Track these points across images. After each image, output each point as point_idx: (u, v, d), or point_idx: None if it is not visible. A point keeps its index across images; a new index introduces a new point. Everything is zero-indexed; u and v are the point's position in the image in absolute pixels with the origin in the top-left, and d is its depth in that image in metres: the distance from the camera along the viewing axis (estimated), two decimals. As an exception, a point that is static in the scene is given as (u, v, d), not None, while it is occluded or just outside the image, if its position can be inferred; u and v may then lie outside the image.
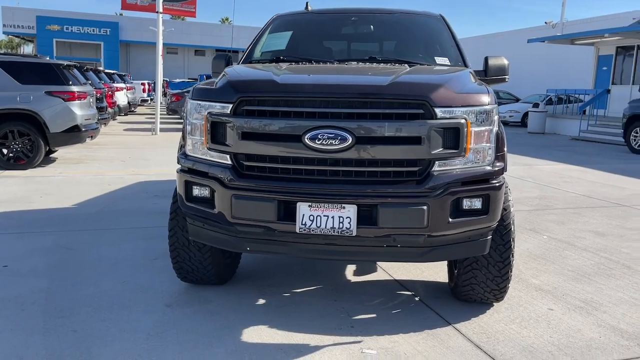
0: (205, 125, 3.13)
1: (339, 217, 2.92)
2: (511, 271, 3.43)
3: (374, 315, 3.51)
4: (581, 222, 6.22)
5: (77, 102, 9.07)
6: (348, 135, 2.86)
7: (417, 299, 3.80)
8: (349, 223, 2.92)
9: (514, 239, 3.41)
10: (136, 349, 3.00)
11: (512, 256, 3.39)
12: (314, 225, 2.93)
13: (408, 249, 3.09)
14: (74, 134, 9.04)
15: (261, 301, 3.69)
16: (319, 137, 2.86)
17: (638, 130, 14.00)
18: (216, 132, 3.11)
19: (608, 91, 20.11)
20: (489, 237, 3.23)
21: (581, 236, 5.58)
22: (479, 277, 3.44)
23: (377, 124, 2.89)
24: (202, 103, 3.19)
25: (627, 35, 19.28)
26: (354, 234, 2.91)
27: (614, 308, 3.73)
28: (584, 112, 19.42)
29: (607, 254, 4.97)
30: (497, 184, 3.12)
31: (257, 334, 3.20)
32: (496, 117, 3.13)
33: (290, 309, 3.57)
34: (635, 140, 14.09)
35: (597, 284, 4.20)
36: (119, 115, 19.65)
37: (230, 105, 3.05)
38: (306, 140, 2.88)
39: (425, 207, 2.91)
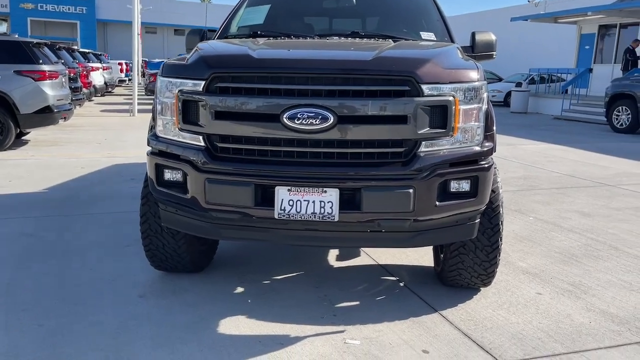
0: (176, 104, 2.92)
1: (320, 201, 2.75)
2: (499, 255, 3.30)
3: (357, 302, 3.36)
4: (567, 202, 6.14)
5: (48, 81, 8.71)
6: (329, 114, 2.67)
7: (402, 284, 3.67)
8: (331, 208, 2.74)
9: (503, 222, 3.27)
10: (105, 344, 2.81)
11: (501, 240, 3.26)
12: (293, 211, 2.75)
13: (393, 234, 2.94)
14: (46, 115, 8.69)
15: (240, 289, 3.52)
16: (298, 116, 2.67)
17: (620, 109, 14.02)
18: (188, 112, 2.90)
19: (590, 70, 20.12)
20: (477, 221, 3.09)
21: (567, 217, 5.49)
22: (466, 262, 3.31)
23: (360, 102, 2.71)
24: (173, 80, 2.97)
25: (609, 14, 19.24)
26: (336, 219, 2.74)
27: (603, 291, 3.63)
28: (566, 91, 19.43)
29: (593, 235, 4.89)
30: (486, 165, 2.97)
31: (235, 326, 3.04)
32: (485, 95, 2.97)
33: (270, 297, 3.41)
34: (617, 119, 14.11)
35: (585, 266, 4.10)
36: (96, 96, 19.13)
37: (203, 82, 2.83)
38: (284, 119, 2.69)
39: (411, 190, 2.75)
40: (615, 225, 5.23)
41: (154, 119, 3.16)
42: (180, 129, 2.92)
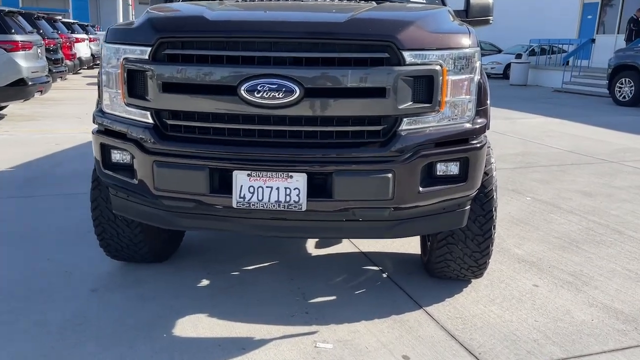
0: (121, 74, 2.53)
1: (285, 188, 2.38)
2: (492, 245, 2.96)
3: (333, 297, 3.03)
4: (567, 180, 5.78)
5: (21, 52, 8.23)
6: (295, 86, 2.28)
7: (385, 275, 3.33)
8: (298, 195, 2.38)
9: (497, 208, 2.92)
10: (44, 348, 2.48)
11: (494, 228, 2.91)
12: (254, 199, 2.39)
13: (371, 224, 2.59)
14: (20, 88, 8.24)
15: (205, 282, 3.18)
16: (259, 88, 2.29)
17: (623, 81, 13.54)
18: (134, 83, 2.51)
19: (593, 41, 19.53)
20: (467, 208, 2.74)
21: (567, 197, 5.14)
22: (455, 253, 2.97)
23: (330, 72, 2.32)
24: (118, 47, 2.57)
25: (614, -18, 18.56)
26: (304, 208, 2.38)
27: (606, 282, 3.30)
28: (567, 62, 18.88)
29: (596, 217, 4.54)
30: (478, 145, 2.60)
31: (193, 326, 2.70)
32: (478, 64, 2.58)
33: (237, 291, 3.07)
34: (620, 91, 13.65)
35: (586, 252, 3.77)
36: (82, 69, 18.55)
37: (149, 49, 2.43)
38: (242, 92, 2.30)
39: (390, 175, 2.38)
40: (618, 206, 4.88)
41: (99, 92, 2.77)
42: (127, 104, 2.54)
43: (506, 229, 4.17)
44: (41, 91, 8.77)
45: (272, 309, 2.87)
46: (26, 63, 8.29)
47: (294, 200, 2.38)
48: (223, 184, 2.43)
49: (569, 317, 2.87)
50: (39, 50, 8.87)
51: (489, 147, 2.98)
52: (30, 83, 8.33)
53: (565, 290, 3.18)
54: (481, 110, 2.65)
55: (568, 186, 5.54)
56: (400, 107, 2.36)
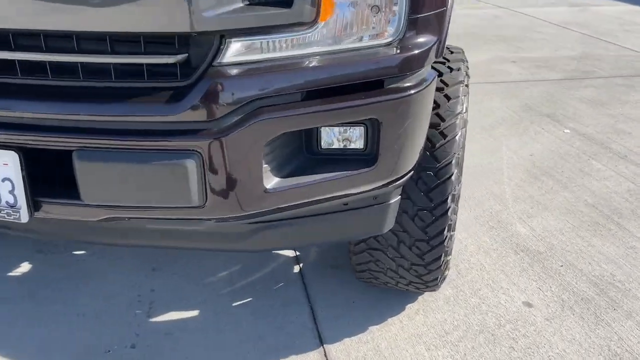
0: None
1: (-13, 178, 1.22)
2: (448, 254, 1.74)
3: (194, 312, 1.95)
4: (631, 102, 4.21)
5: None
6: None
7: (297, 269, 2.20)
8: (11, 193, 1.23)
9: (456, 195, 1.65)
10: None
11: (449, 229, 1.66)
12: None
13: (191, 232, 1.43)
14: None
15: (20, 271, 2.16)
16: None
17: None
18: None
19: None
20: (392, 201, 1.50)
21: (625, 129, 3.65)
22: (383, 263, 1.77)
23: None
24: None
25: None
26: (25, 218, 1.23)
27: (650, 305, 2.03)
28: None
29: (659, 169, 3.11)
30: (411, 91, 1.31)
31: (-55, 362, 1.73)
32: None
33: (56, 293, 2.04)
34: None
35: (629, 237, 2.45)
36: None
37: None
38: None
39: (190, 163, 1.16)
40: (699, 149, 3.39)
41: None
42: None
43: (517, 186, 2.86)
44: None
45: (85, 335, 1.84)
46: None
47: (5, 202, 1.23)
48: None
49: (566, 384, 1.69)
50: None
51: (463, 81, 1.66)
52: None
53: (575, 317, 1.95)
54: (422, 19, 1.31)
55: (630, 111, 4.00)
56: (210, 13, 1.07)
